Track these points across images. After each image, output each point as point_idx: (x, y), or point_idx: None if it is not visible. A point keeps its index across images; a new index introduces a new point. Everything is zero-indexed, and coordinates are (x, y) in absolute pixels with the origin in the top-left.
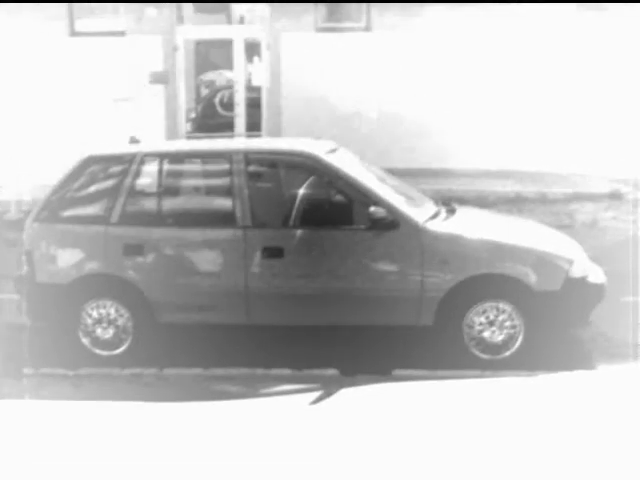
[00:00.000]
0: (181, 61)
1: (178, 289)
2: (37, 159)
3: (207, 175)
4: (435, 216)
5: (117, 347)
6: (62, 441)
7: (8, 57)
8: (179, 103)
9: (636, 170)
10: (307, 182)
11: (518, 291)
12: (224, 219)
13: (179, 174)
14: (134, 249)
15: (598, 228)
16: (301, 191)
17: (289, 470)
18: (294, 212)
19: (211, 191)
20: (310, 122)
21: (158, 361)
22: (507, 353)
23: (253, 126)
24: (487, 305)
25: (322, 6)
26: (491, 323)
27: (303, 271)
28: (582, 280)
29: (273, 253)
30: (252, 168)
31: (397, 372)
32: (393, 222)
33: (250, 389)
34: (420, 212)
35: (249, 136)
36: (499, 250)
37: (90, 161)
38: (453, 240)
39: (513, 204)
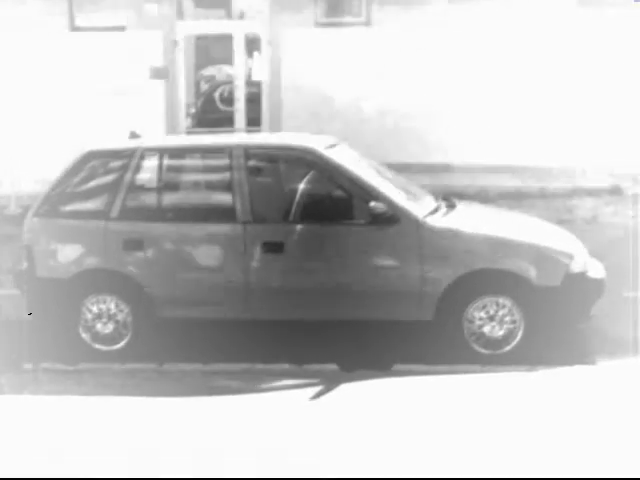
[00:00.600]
0: (181, 56)
1: (178, 284)
2: (37, 154)
3: (207, 170)
4: (435, 211)
5: (117, 342)
6: (62, 436)
7: (9, 52)
8: (179, 98)
9: (636, 165)
10: (307, 177)
11: (518, 286)
12: (224, 214)
13: (179, 169)
14: (134, 244)
15: (598, 223)
16: (301, 186)
17: (289, 465)
18: (294, 207)
19: (211, 186)
20: (310, 117)
21: (158, 356)
22: (507, 348)
23: (253, 121)
24: (487, 300)
25: (322, 1)
26: (491, 318)
27: (303, 266)
28: (582, 275)
29: (273, 248)
30: (252, 163)
31: (397, 367)
32: (393, 217)
33: (250, 384)
34: (420, 207)
35: (249, 131)
36: (499, 245)
37: (90, 156)
38: (453, 235)
39: (513, 199)
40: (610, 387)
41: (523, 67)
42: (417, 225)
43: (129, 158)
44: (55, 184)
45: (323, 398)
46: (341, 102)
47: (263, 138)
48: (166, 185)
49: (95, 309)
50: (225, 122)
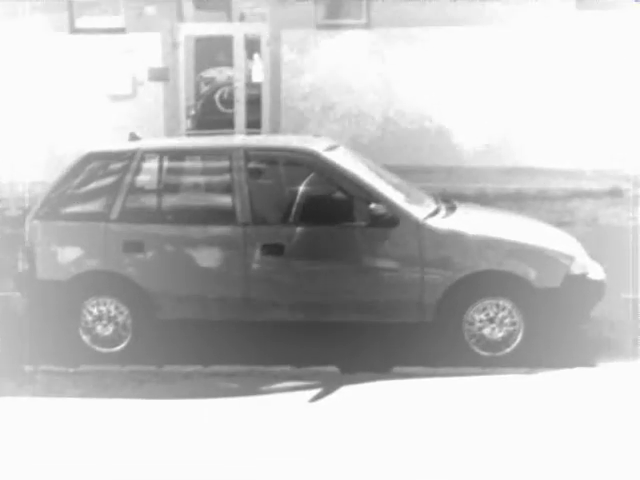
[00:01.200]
0: (181, 58)
1: (178, 286)
2: (37, 156)
3: (207, 172)
4: (435, 213)
5: (117, 344)
6: (62, 438)
7: (8, 54)
8: (179, 100)
9: (636, 167)
10: (307, 179)
11: (518, 288)
12: (224, 216)
13: (179, 171)
14: (134, 246)
15: (598, 225)
16: (301, 188)
17: (289, 467)
18: (294, 209)
19: (211, 188)
20: (310, 119)
21: (158, 358)
22: (507, 350)
23: (253, 123)
24: (487, 302)
25: (322, 3)
26: (491, 320)
27: (303, 268)
28: (582, 277)
29: (273, 250)
30: (252, 165)
31: (397, 369)
32: (393, 219)
33: (250, 386)
34: (420, 209)
35: (249, 133)
36: (499, 247)
37: (90, 158)
38: (453, 237)
39: (513, 201)
40: (610, 389)
41: (523, 69)
42: (417, 227)
43: (129, 160)
44: (55, 186)
45: (323, 400)
46: (341, 104)
47: (263, 140)
48: (166, 187)
49: (95, 311)
50: (225, 124)
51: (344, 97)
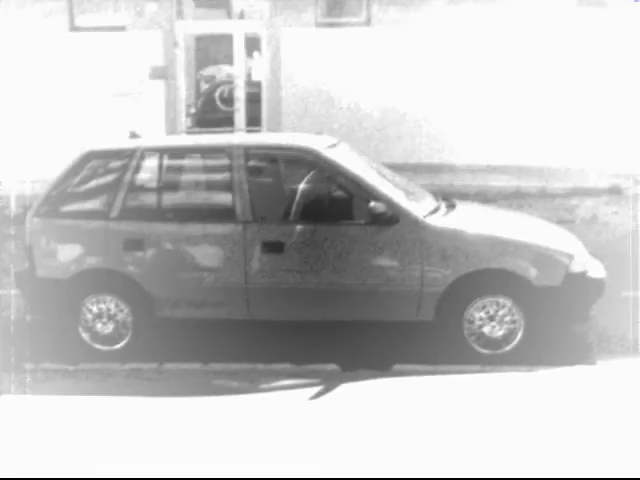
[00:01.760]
0: (181, 56)
1: (178, 284)
2: (37, 154)
3: (207, 170)
4: (435, 211)
5: (117, 342)
6: (62, 436)
7: (8, 52)
8: (179, 98)
9: (636, 165)
10: (307, 177)
11: (518, 286)
12: (224, 214)
13: (179, 169)
14: (134, 244)
15: (598, 223)
16: (301, 186)
17: (289, 465)
18: (294, 207)
19: (211, 186)
20: (310, 117)
21: (158, 356)
22: (507, 348)
23: (253, 121)
24: (487, 300)
25: (322, 1)
26: (491, 318)
27: (303, 266)
28: (582, 275)
29: (273, 248)
30: (252, 163)
31: (397, 367)
32: (393, 217)
33: (250, 384)
34: (420, 207)
35: (249, 131)
36: (499, 245)
37: (90, 156)
38: (453, 235)
39: (513, 199)
40: (610, 387)
41: (523, 67)
42: (417, 225)
43: (129, 158)
44: (55, 184)
45: (323, 398)
46: (341, 102)
47: (263, 138)
48: (166, 185)
49: (95, 309)
50: (225, 122)
51: (344, 95)
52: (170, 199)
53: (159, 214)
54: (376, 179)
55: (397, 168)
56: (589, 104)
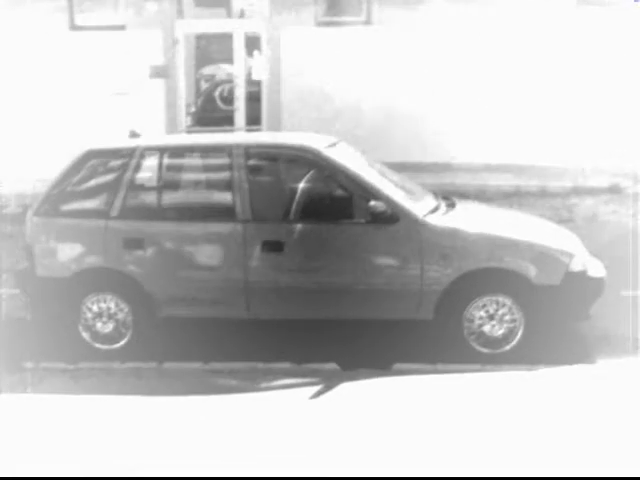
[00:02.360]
0: (181, 55)
1: (178, 283)
2: (37, 153)
3: (207, 169)
4: (435, 210)
5: (117, 341)
6: (62, 435)
7: (8, 51)
8: (179, 97)
9: (636, 164)
10: (307, 176)
11: (518, 285)
12: (224, 213)
13: (179, 168)
14: (134, 243)
15: (598, 222)
16: (301, 185)
17: (289, 464)
18: (294, 206)
19: (211, 185)
20: (310, 116)
21: (158, 355)
22: (507, 347)
23: (253, 120)
24: (487, 299)
25: (322, 0)
26: (491, 317)
27: (303, 265)
28: (582, 274)
29: (273, 247)
30: (252, 162)
31: (397, 366)
32: (393, 216)
33: (250, 383)
34: (420, 206)
35: (249, 130)
36: (499, 244)
37: (90, 155)
38: (453, 234)
39: (513, 198)
40: (610, 386)
41: (523, 66)
42: (417, 224)
43: (129, 157)
44: (55, 183)
45: (323, 397)
46: (341, 101)
47: (263, 137)
48: (166, 184)
49: (95, 308)
50: (225, 121)
51: (344, 94)
52: (170, 198)
53: (159, 213)
54: (376, 178)
55: (397, 167)
56: (589, 103)
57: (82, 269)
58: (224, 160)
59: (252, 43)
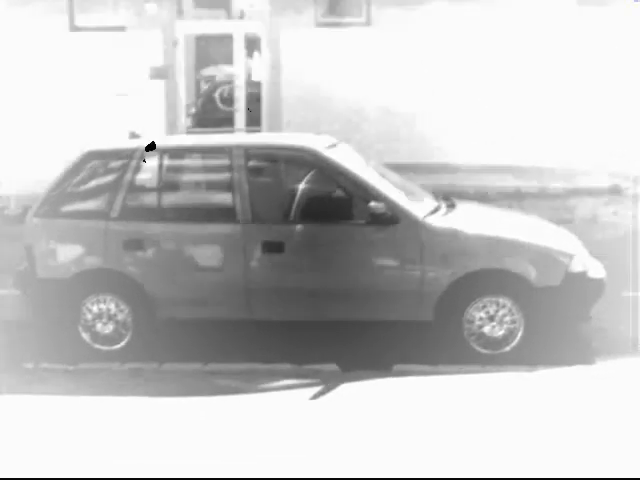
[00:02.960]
0: (181, 56)
1: (178, 284)
2: (37, 154)
3: (207, 170)
4: (435, 211)
5: (117, 342)
6: (62, 436)
7: (9, 52)
8: (179, 98)
9: (636, 165)
10: (307, 177)
11: (518, 286)
12: (224, 214)
13: (179, 169)
14: (134, 244)
15: (598, 223)
16: (301, 186)
17: (289, 465)
18: (294, 207)
19: (211, 186)
20: (310, 117)
21: (158, 356)
22: (507, 348)
23: (253, 121)
24: (487, 300)
25: (322, 1)
26: (491, 318)
27: (303, 266)
28: (582, 275)
29: (273, 248)
30: (252, 163)
31: (397, 367)
32: (393, 217)
33: (250, 384)
34: (420, 207)
35: (249, 131)
36: (499, 245)
37: (90, 156)
38: (453, 235)
39: (513, 199)
40: (610, 387)
41: (523, 67)
42: (417, 225)
43: (129, 158)
44: (55, 184)
45: (323, 398)
46: (341, 102)
47: (263, 138)
48: (166, 185)
49: (95, 309)
50: (225, 122)
51: (344, 95)
52: (170, 199)
53: (159, 214)
54: (376, 179)
55: (397, 168)
56: (589, 104)
57: (82, 270)
58: (224, 161)
59: (252, 44)
